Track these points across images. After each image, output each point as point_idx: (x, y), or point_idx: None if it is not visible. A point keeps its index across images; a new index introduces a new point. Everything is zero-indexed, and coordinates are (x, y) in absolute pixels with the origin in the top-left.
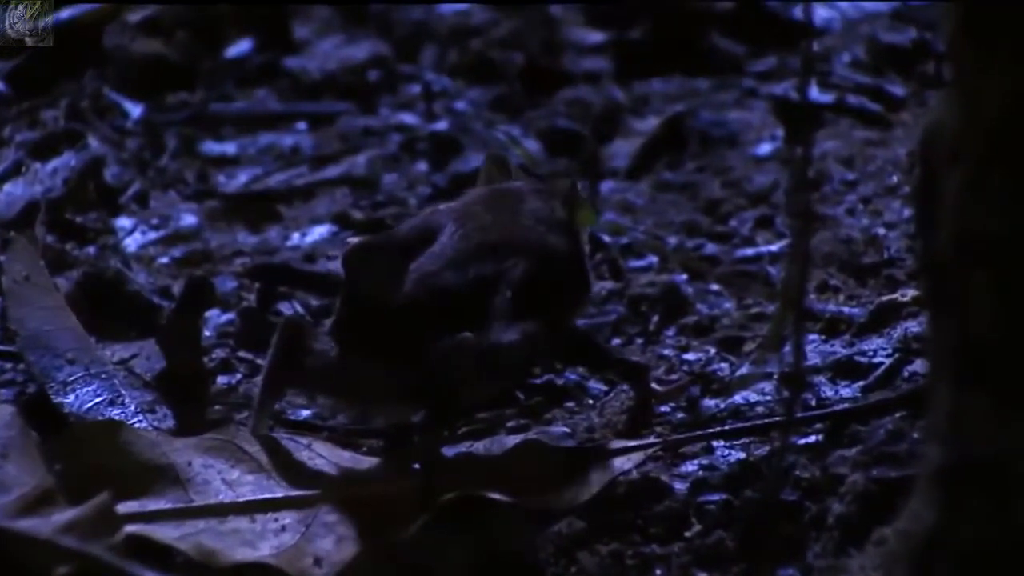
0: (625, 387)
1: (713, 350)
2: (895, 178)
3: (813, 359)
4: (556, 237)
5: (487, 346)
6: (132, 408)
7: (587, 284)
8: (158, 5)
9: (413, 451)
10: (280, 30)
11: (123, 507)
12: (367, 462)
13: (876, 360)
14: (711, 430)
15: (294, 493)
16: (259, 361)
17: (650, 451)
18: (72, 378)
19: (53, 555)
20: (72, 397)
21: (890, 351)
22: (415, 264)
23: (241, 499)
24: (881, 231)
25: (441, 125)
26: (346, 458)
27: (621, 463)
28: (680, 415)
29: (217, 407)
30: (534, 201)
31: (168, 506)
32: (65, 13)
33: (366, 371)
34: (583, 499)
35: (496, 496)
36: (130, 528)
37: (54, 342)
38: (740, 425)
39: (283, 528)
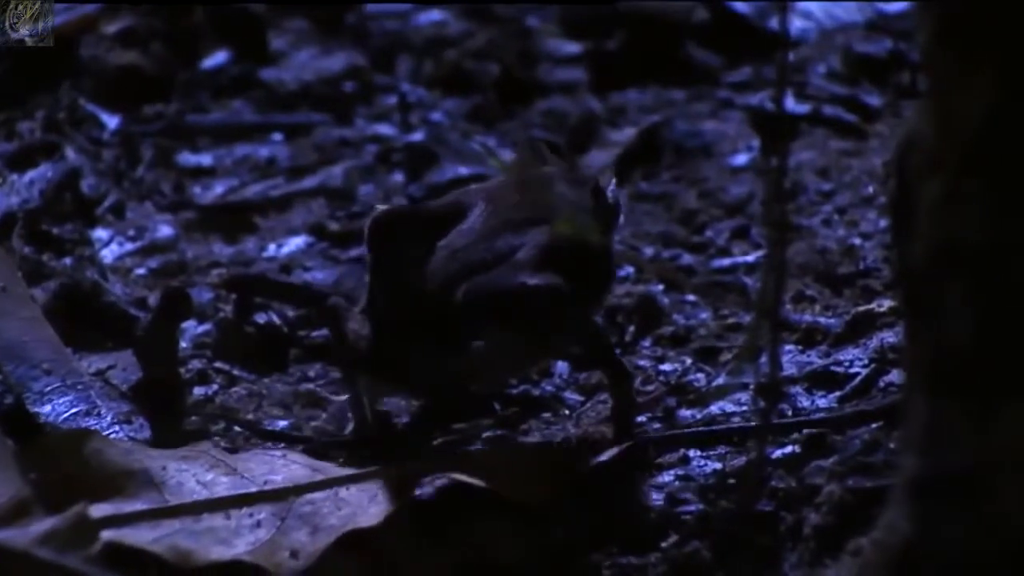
0: (602, 398)
1: (689, 360)
2: (871, 188)
3: (789, 369)
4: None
5: (511, 287)
6: (108, 419)
7: (610, 272)
8: (134, 16)
9: (399, 439)
10: (256, 41)
11: (97, 510)
12: (343, 472)
13: (852, 370)
14: (687, 431)
15: (269, 488)
16: (235, 372)
17: (624, 446)
18: (48, 389)
19: (30, 567)
20: (48, 408)
21: (866, 361)
22: (444, 241)
23: (215, 496)
24: (857, 241)
25: (417, 136)
26: (322, 466)
27: (596, 459)
28: (656, 425)
29: (193, 418)
30: (564, 186)
31: (143, 507)
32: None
33: (403, 352)
34: (558, 493)
35: (474, 482)
36: (106, 533)
37: (31, 353)
38: (715, 428)
39: (258, 523)
